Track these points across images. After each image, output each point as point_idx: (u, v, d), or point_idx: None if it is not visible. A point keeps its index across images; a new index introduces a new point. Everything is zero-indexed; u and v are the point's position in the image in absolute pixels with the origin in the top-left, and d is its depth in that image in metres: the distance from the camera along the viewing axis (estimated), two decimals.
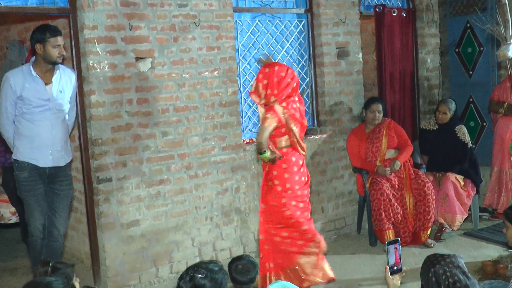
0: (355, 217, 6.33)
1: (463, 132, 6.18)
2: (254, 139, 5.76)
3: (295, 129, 4.58)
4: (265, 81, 4.55)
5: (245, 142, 5.71)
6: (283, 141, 4.62)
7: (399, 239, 3.32)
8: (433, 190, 5.76)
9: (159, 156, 5.08)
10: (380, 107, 5.93)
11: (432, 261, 3.04)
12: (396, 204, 5.68)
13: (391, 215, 5.65)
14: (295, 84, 4.60)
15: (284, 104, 4.56)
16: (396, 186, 5.76)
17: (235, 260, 3.48)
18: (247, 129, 5.83)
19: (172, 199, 5.18)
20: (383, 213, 5.63)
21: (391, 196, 5.66)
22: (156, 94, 5.03)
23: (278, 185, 4.59)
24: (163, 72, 5.06)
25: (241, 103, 5.73)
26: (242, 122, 5.75)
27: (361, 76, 6.39)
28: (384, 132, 5.91)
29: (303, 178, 4.66)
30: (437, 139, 6.18)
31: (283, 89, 4.54)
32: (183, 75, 5.17)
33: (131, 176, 4.94)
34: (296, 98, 4.65)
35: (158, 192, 5.10)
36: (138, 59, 4.95)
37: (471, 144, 6.24)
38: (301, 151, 4.66)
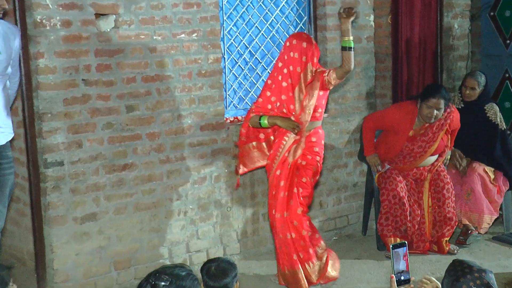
0: (360, 215, 6.34)
1: (494, 111, 6.11)
2: (240, 118, 5.74)
3: None
4: (315, 59, 4.98)
5: (228, 121, 5.69)
6: None
7: (406, 242, 3.26)
8: (449, 181, 5.71)
9: (123, 136, 5.06)
10: (441, 103, 5.52)
11: (456, 271, 3.00)
12: (410, 209, 5.60)
13: (403, 221, 5.63)
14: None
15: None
16: (414, 186, 5.70)
17: (208, 262, 3.47)
18: (231, 105, 5.81)
19: (138, 188, 5.17)
20: (390, 218, 5.63)
21: (405, 200, 5.59)
22: (121, 60, 5.00)
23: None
24: (130, 32, 5.02)
25: (225, 73, 5.69)
26: (226, 97, 5.72)
27: (372, 44, 6.37)
28: (441, 133, 5.67)
29: None
30: (463, 120, 6.05)
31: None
32: (154, 37, 5.14)
33: (87, 159, 4.92)
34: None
35: (121, 180, 5.08)
36: (98, 15, 4.89)
37: (504, 127, 6.16)
38: None
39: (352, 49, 4.81)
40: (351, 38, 4.81)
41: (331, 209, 6.20)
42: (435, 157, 5.76)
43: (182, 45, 5.27)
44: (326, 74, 4.89)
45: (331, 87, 4.98)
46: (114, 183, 5.05)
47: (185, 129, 5.35)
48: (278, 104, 5.02)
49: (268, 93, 5.04)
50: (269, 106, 5.03)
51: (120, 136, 5.04)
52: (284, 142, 4.99)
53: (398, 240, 5.51)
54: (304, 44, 4.90)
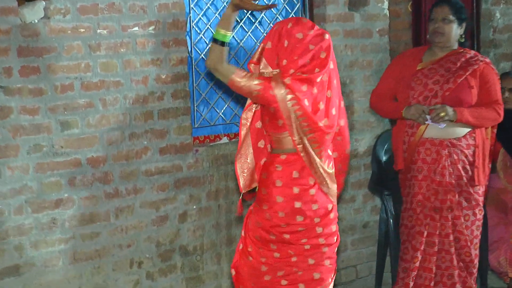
0: (373, 265, 6.33)
1: None
2: (213, 137, 5.75)
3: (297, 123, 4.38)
4: (268, 44, 4.42)
5: (197, 142, 5.71)
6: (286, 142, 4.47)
7: None
8: (481, 211, 5.59)
9: (56, 162, 5.04)
10: (447, 11, 5.47)
11: None
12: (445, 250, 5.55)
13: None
14: (322, 54, 4.40)
15: (289, 81, 4.38)
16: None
17: None
18: (201, 120, 5.81)
19: (77, 232, 5.14)
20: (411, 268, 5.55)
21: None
22: (53, 61, 4.98)
23: (266, 210, 4.47)
24: (65, 24, 5.00)
25: (192, 78, 5.71)
26: (193, 109, 5.74)
27: (387, 39, 6.42)
28: (464, 75, 5.43)
29: (307, 213, 4.49)
30: (508, 134, 6.01)
31: (295, 60, 4.35)
32: (98, 31, 5.13)
33: (8, 194, 4.88)
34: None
35: (53, 220, 5.05)
36: (22, 2, 4.87)
37: None
38: (318, 168, 4.49)
39: (217, 42, 4.28)
40: (221, 30, 4.27)
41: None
42: (459, 129, 5.45)
43: (135, 41, 5.26)
44: None
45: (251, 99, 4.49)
46: (44, 225, 5.00)
47: (139, 152, 5.34)
48: None
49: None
50: None
51: (52, 162, 5.01)
52: None
53: None
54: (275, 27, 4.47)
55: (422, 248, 5.43)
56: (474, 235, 5.48)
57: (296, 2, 6.11)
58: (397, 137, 5.63)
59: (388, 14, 6.37)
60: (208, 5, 5.76)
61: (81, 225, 5.14)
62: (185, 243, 5.57)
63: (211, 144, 5.74)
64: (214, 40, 4.30)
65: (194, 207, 5.58)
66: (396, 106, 5.56)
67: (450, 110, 5.30)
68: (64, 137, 5.04)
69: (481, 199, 5.53)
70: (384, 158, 6.17)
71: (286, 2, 6.07)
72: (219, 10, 5.78)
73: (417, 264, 5.45)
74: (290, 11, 6.09)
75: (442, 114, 5.29)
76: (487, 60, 5.56)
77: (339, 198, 6.12)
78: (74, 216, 5.11)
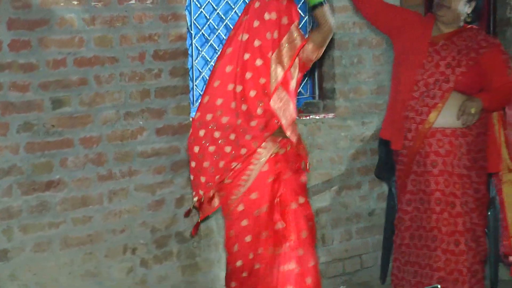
0: (378, 255, 6.31)
1: None
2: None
3: None
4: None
5: None
6: None
7: None
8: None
9: (47, 141, 5.04)
10: None
11: None
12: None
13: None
14: None
15: None
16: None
17: None
18: (199, 99, 5.70)
19: (68, 216, 5.14)
20: (400, 266, 5.53)
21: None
22: (45, 35, 4.97)
23: None
24: None
25: (191, 55, 5.71)
26: (193, 88, 5.74)
27: None
28: (475, 54, 5.31)
29: None
30: None
31: None
32: (93, 4, 5.12)
33: None
34: None
35: (43, 203, 5.05)
36: None
37: None
38: None
39: (324, 2, 4.53)
40: None
41: (337, 247, 6.22)
42: (452, 121, 5.33)
43: (131, 15, 5.25)
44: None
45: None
46: (34, 208, 5.00)
47: (134, 132, 5.34)
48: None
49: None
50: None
51: (43, 142, 5.00)
52: (253, 167, 4.69)
53: None
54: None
55: (447, 247, 5.33)
56: None
57: None
58: (395, 115, 5.43)
59: None
60: None
61: (72, 208, 5.13)
62: (182, 229, 5.56)
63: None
64: (316, 7, 4.56)
65: (192, 191, 5.53)
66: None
67: (475, 102, 5.16)
68: (56, 116, 5.03)
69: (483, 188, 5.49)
70: None
71: None
72: None
73: (441, 264, 5.33)
74: None
75: (473, 110, 5.13)
76: (497, 41, 5.51)
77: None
78: (66, 199, 5.10)
